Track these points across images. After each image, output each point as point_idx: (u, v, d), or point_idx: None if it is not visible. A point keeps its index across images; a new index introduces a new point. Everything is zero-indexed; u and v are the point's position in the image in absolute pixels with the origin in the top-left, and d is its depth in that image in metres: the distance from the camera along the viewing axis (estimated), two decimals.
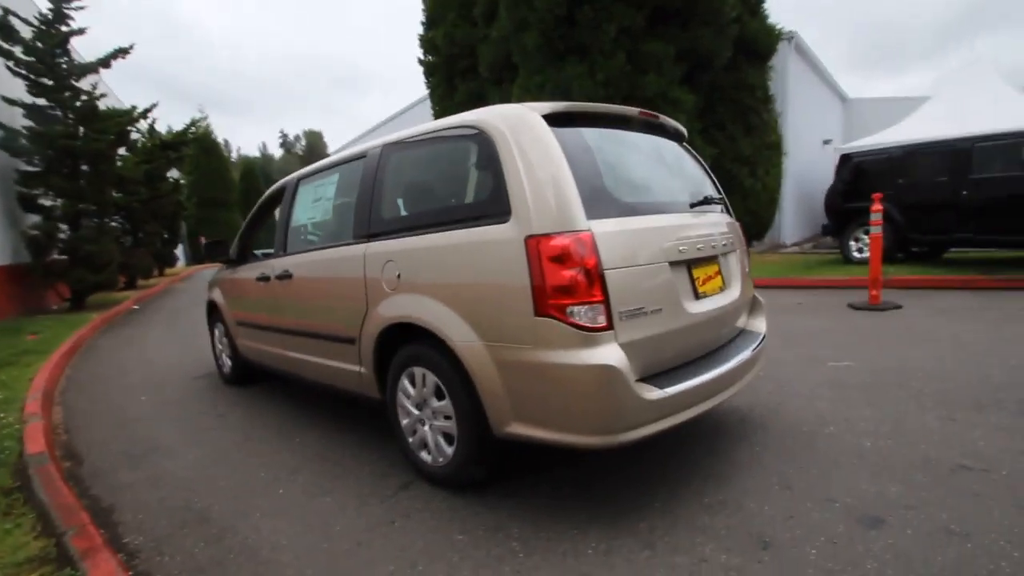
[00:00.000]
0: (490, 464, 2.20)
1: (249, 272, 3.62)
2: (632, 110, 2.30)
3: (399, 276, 2.26)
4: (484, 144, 2.03)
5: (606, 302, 1.77)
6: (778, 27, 11.07)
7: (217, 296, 4.20)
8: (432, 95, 11.90)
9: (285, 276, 3.07)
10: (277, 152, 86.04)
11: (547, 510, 2.05)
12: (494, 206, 1.95)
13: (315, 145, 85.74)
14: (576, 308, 1.75)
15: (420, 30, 11.88)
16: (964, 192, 6.28)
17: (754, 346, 2.39)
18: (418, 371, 2.27)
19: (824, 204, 8.34)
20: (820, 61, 14.79)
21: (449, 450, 2.20)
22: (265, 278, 3.30)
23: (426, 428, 2.30)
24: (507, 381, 1.90)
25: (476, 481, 2.22)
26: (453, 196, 2.25)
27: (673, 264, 2.03)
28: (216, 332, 4.42)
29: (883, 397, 2.95)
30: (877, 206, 5.07)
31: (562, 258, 1.76)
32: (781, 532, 1.81)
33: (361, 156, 2.67)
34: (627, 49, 8.43)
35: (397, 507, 2.16)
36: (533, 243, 1.80)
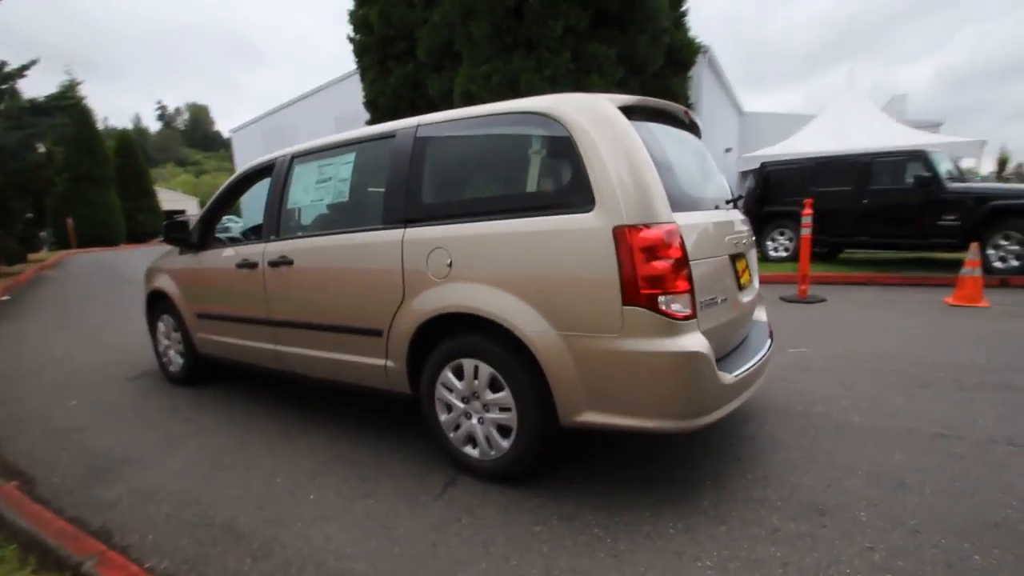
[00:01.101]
0: (549, 455, 2.19)
1: (220, 259, 3.25)
2: (678, 107, 2.39)
3: (450, 264, 2.17)
4: (558, 133, 2.01)
5: (692, 292, 1.85)
6: (697, 41, 11.96)
7: (166, 286, 3.71)
8: (363, 75, 11.34)
9: (282, 263, 2.80)
10: (154, 125, 76.90)
11: (611, 496, 2.09)
12: (573, 196, 1.94)
13: (200, 120, 77.76)
14: (666, 298, 1.80)
15: (350, 6, 11.25)
16: (864, 200, 7.27)
17: (769, 340, 2.58)
18: (467, 363, 2.20)
19: (743, 207, 9.17)
20: (726, 76, 16.18)
21: (505, 443, 2.16)
22: (250, 265, 2.98)
23: (474, 421, 2.24)
24: (584, 370, 1.91)
25: (531, 473, 2.20)
26: (517, 183, 2.20)
27: (729, 257, 2.15)
28: (161, 327, 3.91)
29: (848, 378, 3.35)
30: (808, 210, 5.70)
31: (654, 248, 1.80)
32: (828, 500, 2.00)
33: (389, 135, 2.51)
34: (572, 48, 8.64)
35: (455, 505, 2.08)
36: (623, 233, 1.81)
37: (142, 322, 4.23)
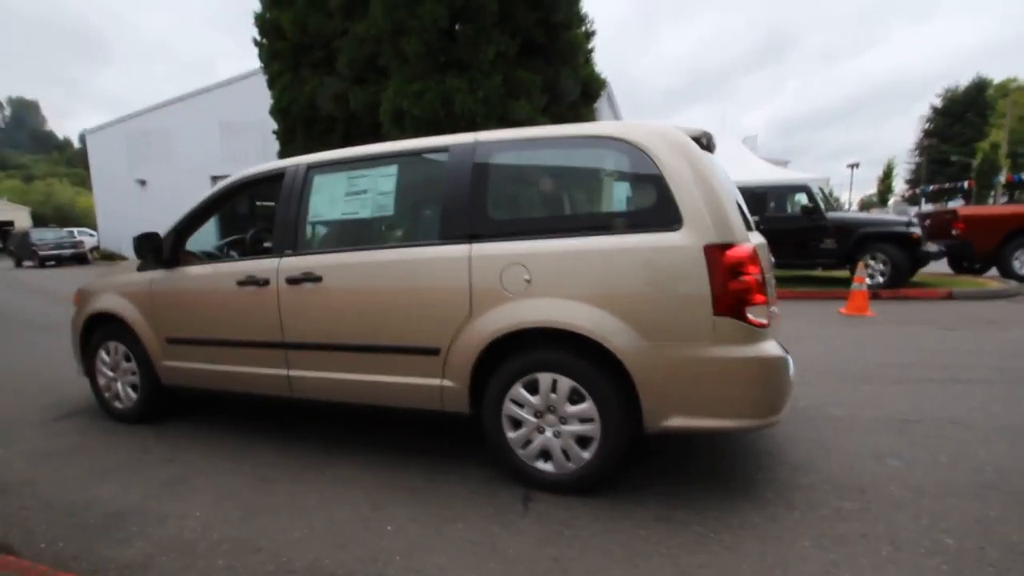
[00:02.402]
0: (623, 462, 2.28)
1: (210, 276, 2.90)
2: (711, 135, 2.66)
3: (528, 280, 2.20)
4: (639, 157, 2.15)
5: (768, 303, 2.09)
6: (603, 76, 13.00)
7: (120, 308, 3.19)
8: (272, 82, 10.60)
9: (306, 279, 2.59)
10: None
11: (687, 496, 2.23)
12: (657, 216, 2.09)
13: (28, 119, 66.04)
14: (751, 308, 2.02)
15: (256, 8, 10.54)
16: (761, 225, 8.40)
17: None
18: (543, 377, 2.23)
19: None
20: (620, 109, 17.69)
21: (585, 454, 2.21)
22: (259, 282, 2.71)
23: (548, 435, 2.26)
24: (675, 377, 2.05)
25: (604, 483, 2.27)
26: (595, 202, 2.30)
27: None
28: (104, 356, 3.33)
29: (804, 379, 3.85)
30: None
31: (741, 264, 2.01)
32: (859, 480, 2.33)
33: (441, 149, 2.47)
34: (503, 73, 8.93)
35: (547, 519, 2.08)
36: (713, 251, 2.00)
37: (35, 352, 3.56)
